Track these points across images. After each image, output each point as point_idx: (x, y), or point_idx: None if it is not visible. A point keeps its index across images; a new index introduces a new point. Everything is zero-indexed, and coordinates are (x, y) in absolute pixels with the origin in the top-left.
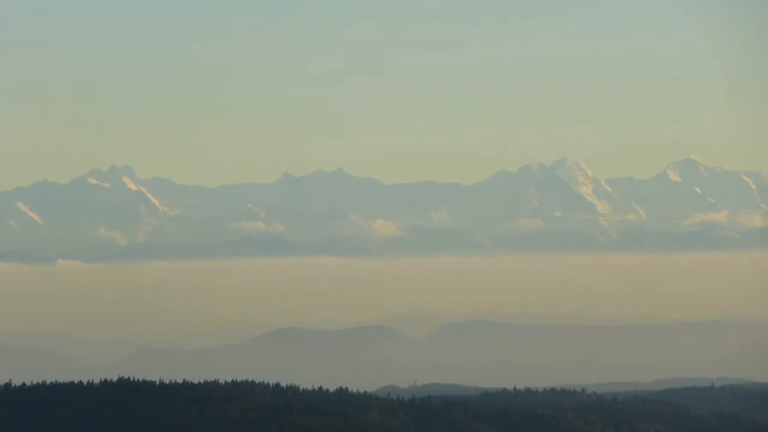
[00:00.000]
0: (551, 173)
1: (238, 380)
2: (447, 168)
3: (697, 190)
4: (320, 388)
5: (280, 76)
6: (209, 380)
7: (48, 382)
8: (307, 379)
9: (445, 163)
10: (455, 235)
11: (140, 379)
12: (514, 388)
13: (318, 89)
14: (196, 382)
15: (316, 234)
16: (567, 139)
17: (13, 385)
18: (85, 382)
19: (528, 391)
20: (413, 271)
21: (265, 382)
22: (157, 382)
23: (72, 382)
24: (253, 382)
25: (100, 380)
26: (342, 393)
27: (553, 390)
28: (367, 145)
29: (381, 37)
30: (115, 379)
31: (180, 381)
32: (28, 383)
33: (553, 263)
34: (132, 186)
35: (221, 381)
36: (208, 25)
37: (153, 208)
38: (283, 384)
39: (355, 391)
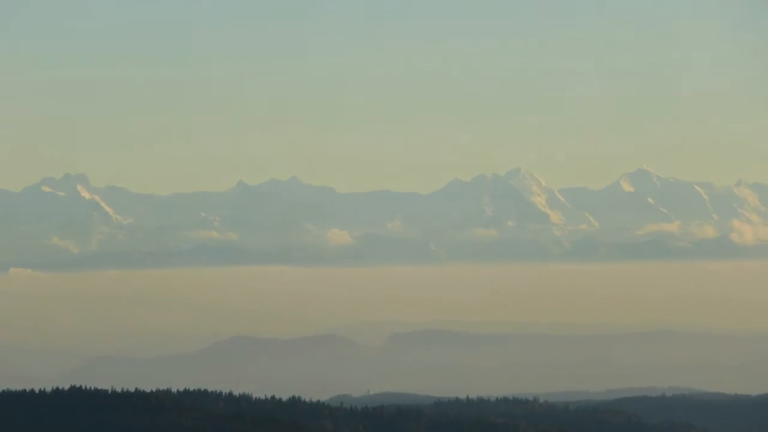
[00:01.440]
0: (505, 183)
1: (191, 389)
2: (402, 177)
3: (650, 200)
4: (273, 397)
5: (235, 84)
6: (162, 389)
7: None
8: (259, 388)
9: (400, 172)
10: (409, 245)
11: (92, 388)
12: (467, 397)
13: (276, 99)
14: (148, 390)
15: (270, 243)
16: (521, 150)
17: None
18: (37, 391)
19: (481, 400)
20: (367, 280)
21: (218, 390)
22: (110, 391)
23: (24, 391)
24: (205, 390)
25: (52, 389)
26: (295, 402)
27: (505, 399)
28: (322, 154)
29: (337, 46)
30: (67, 387)
31: (132, 390)
32: None
33: (506, 273)
34: (86, 194)
35: (174, 390)
36: (159, 30)
37: (106, 217)
38: (236, 393)
39: (307, 400)
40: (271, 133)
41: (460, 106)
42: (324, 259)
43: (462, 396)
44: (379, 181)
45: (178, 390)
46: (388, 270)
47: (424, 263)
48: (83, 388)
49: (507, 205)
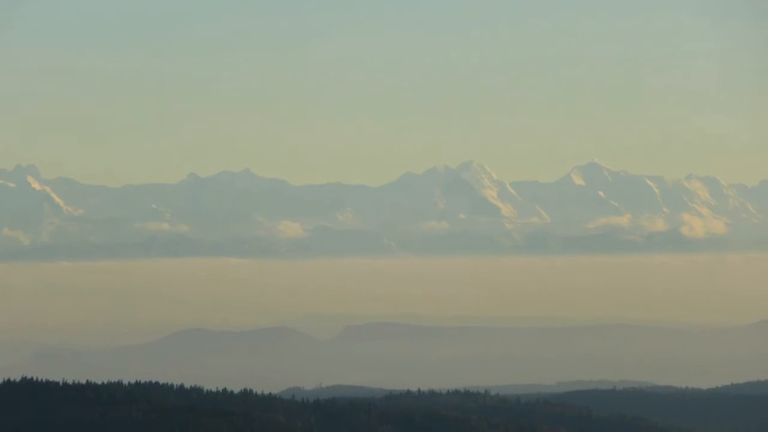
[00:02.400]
0: (457, 176)
1: (142, 381)
2: (353, 170)
3: (601, 193)
4: (224, 390)
5: (187, 77)
6: (112, 381)
7: None
8: (211, 381)
9: (352, 164)
10: (361, 237)
11: (43, 380)
12: (419, 390)
13: (227, 90)
14: (99, 382)
15: (222, 235)
16: (473, 143)
17: None
18: None
19: (432, 393)
20: (318, 272)
21: (169, 383)
22: (60, 383)
23: None
24: (156, 383)
25: (3, 380)
26: (246, 394)
27: (456, 392)
28: (274, 146)
29: (289, 40)
30: (18, 379)
31: (83, 382)
32: None
33: (457, 265)
34: (36, 186)
35: (125, 382)
36: (109, 21)
37: (57, 208)
38: (187, 385)
39: (259, 392)
40: (224, 126)
41: (412, 100)
42: (276, 251)
43: (413, 389)
44: (331, 173)
45: (129, 382)
46: (340, 262)
47: (376, 256)
48: (34, 380)
49: (459, 199)
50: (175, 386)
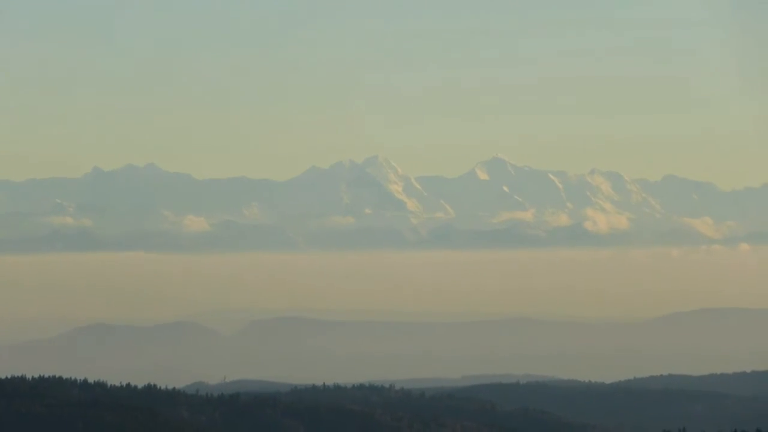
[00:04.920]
0: (362, 171)
1: (46, 376)
2: (259, 164)
3: (505, 188)
4: (128, 385)
5: (91, 70)
6: (16, 375)
7: None
8: (115, 376)
9: (257, 158)
10: (267, 232)
11: None
12: (323, 384)
13: (131, 83)
14: (2, 377)
15: (126, 229)
16: (378, 137)
17: None
18: None
19: (337, 387)
20: (223, 267)
21: (73, 378)
22: None
23: None
24: (60, 377)
25: None
26: (150, 389)
27: (361, 386)
28: (179, 140)
29: (193, 35)
30: None
31: None
32: None
33: (363, 260)
34: None
35: (28, 376)
36: (14, 13)
37: None
38: (91, 380)
39: (163, 387)
40: (128, 119)
41: (317, 94)
42: (180, 245)
43: (318, 383)
44: (236, 167)
45: (32, 377)
46: (245, 257)
47: (282, 250)
48: None
49: (364, 193)
50: (78, 381)
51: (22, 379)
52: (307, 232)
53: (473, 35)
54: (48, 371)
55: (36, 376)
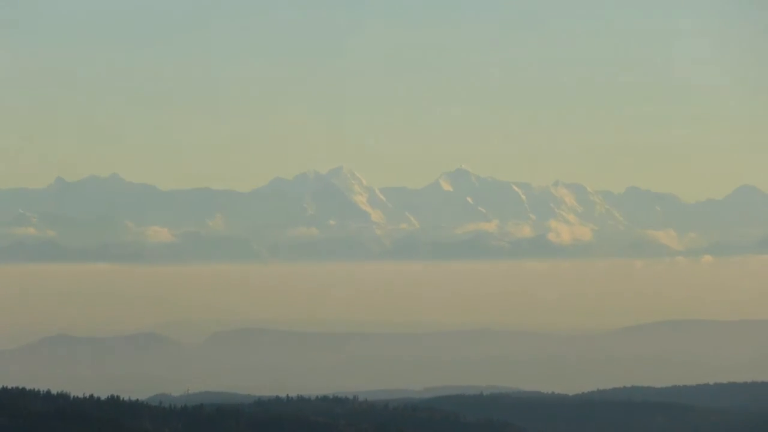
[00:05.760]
0: (327, 181)
1: (9, 387)
2: (223, 175)
3: (469, 199)
4: (91, 396)
5: (54, 80)
6: None
7: None
8: (78, 387)
9: (222, 169)
10: (231, 243)
11: None
12: (287, 396)
13: (95, 94)
14: None
15: (90, 240)
16: (343, 148)
17: None
18: None
19: (301, 399)
20: (187, 278)
21: (36, 389)
22: None
23: None
24: (23, 389)
25: None
26: (113, 401)
27: (325, 397)
28: (143, 151)
29: (155, 43)
30: None
31: None
32: None
33: (327, 271)
34: None
35: None
36: None
37: None
38: (54, 391)
39: (126, 399)
40: (91, 130)
41: (281, 105)
42: (144, 257)
43: (282, 395)
44: (200, 179)
45: None
46: (209, 268)
47: (246, 262)
48: None
49: (329, 204)
50: (42, 392)
51: None
52: (271, 243)
53: (436, 47)
54: (11, 382)
55: None
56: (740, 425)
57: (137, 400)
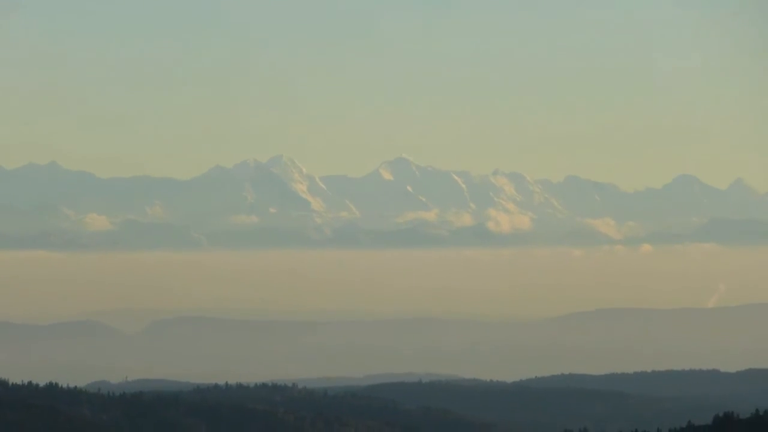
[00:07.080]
0: (267, 170)
1: None
2: (162, 162)
3: (409, 188)
4: (30, 383)
5: None
6: None
7: None
8: (16, 374)
9: (160, 157)
10: (170, 230)
11: None
12: (226, 383)
13: (32, 80)
14: None
15: (28, 228)
16: (283, 137)
17: None
18: None
19: (240, 386)
20: (126, 266)
21: None
22: None
23: None
24: None
25: None
26: (52, 388)
27: (264, 385)
28: (81, 139)
29: (99, 37)
30: None
31: None
32: None
33: (267, 259)
34: None
35: None
36: None
37: None
38: None
39: (65, 386)
40: (29, 117)
41: (221, 92)
42: (82, 244)
43: (221, 382)
44: (139, 166)
45: None
46: (148, 256)
47: (185, 250)
48: None
49: (269, 192)
50: None
51: None
52: (211, 231)
53: (376, 37)
54: None
55: None
56: (678, 413)
57: (76, 387)
